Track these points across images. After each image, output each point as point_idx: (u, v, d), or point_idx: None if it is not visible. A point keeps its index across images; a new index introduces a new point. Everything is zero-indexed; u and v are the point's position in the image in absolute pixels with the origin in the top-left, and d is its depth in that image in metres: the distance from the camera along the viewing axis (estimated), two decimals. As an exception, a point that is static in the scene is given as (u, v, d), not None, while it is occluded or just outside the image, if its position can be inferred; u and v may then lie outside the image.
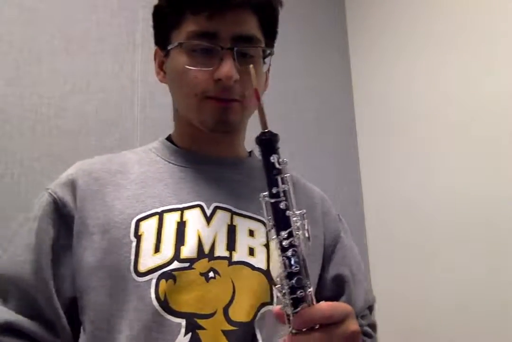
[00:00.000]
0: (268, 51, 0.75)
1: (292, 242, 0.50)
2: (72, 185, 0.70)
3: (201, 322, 0.61)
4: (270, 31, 0.77)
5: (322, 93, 1.92)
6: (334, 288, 0.76)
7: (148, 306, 0.61)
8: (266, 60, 0.78)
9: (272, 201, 0.51)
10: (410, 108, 1.76)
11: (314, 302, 0.51)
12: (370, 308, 0.80)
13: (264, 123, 0.53)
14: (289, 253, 0.50)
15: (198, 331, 0.60)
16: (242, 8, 0.70)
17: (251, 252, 0.67)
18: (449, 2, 1.68)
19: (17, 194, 1.25)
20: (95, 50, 1.45)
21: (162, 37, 0.76)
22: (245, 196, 0.73)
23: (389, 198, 1.79)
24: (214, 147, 0.77)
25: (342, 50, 2.04)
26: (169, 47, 0.73)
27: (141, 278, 0.63)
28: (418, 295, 1.59)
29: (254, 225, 0.70)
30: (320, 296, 0.74)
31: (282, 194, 0.51)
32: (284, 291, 0.50)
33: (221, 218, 0.69)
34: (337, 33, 2.05)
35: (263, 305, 0.64)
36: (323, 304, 0.50)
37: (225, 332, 0.61)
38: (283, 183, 0.51)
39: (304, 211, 0.52)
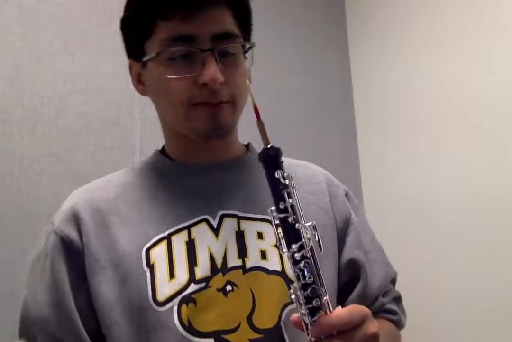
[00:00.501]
0: (248, 46, 0.72)
1: (304, 253, 0.51)
2: (75, 219, 0.69)
3: (228, 337, 0.61)
4: (246, 25, 0.73)
5: (322, 93, 1.92)
6: (350, 273, 0.74)
7: (174, 333, 0.61)
8: (248, 55, 0.75)
9: (281, 216, 0.52)
10: (410, 108, 1.76)
11: (331, 308, 0.51)
12: (393, 281, 0.79)
13: (266, 140, 0.53)
14: (301, 264, 0.51)
15: None
16: (215, 5, 0.66)
17: (263, 255, 0.67)
18: (449, 2, 1.68)
19: (17, 194, 1.25)
20: (95, 50, 1.45)
21: (135, 49, 0.71)
22: (248, 197, 0.72)
23: (389, 198, 1.79)
24: (208, 154, 0.75)
25: (342, 50, 2.04)
26: (145, 59, 0.68)
27: (161, 307, 0.62)
28: (418, 294, 1.59)
29: (261, 227, 0.69)
30: (338, 281, 0.73)
31: (290, 209, 0.51)
32: (300, 302, 0.51)
33: (228, 226, 0.68)
34: (337, 33, 2.05)
35: (286, 306, 0.64)
36: (340, 310, 0.50)
37: (252, 341, 0.61)
38: (289, 197, 0.52)
39: (314, 222, 0.53)
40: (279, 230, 0.52)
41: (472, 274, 1.47)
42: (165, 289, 0.63)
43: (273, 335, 0.62)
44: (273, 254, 0.67)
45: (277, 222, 0.52)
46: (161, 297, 0.62)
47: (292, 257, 0.51)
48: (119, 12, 1.38)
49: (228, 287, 0.64)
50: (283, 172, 0.52)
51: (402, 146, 1.77)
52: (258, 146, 0.87)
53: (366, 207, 1.88)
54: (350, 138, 1.95)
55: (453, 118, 1.60)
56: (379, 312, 0.74)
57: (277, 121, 1.76)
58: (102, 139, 1.40)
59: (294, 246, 0.51)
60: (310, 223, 0.52)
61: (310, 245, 0.51)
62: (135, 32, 0.70)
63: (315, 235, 0.52)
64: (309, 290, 0.50)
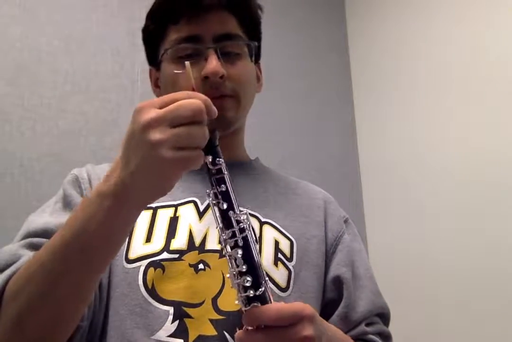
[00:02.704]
0: (254, 47, 0.77)
1: (237, 242, 0.51)
2: (79, 182, 0.73)
3: (188, 310, 0.62)
4: (251, 29, 0.78)
5: (322, 94, 1.92)
6: (334, 289, 0.74)
7: (135, 292, 0.63)
8: (257, 59, 0.80)
9: (214, 201, 0.52)
10: (410, 108, 1.76)
11: (271, 301, 0.51)
12: (382, 317, 0.76)
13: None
14: (233, 252, 0.51)
15: (186, 320, 0.61)
16: (217, 9, 0.72)
17: None
18: (448, 2, 1.68)
19: (17, 194, 1.25)
20: (95, 50, 1.45)
21: (153, 54, 0.78)
22: (240, 194, 0.74)
23: (390, 199, 1.79)
24: None
25: (341, 51, 2.04)
26: (158, 60, 0.76)
27: (130, 264, 0.65)
28: (419, 295, 1.59)
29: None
30: (323, 297, 0.74)
31: (219, 195, 0.51)
32: (239, 289, 0.51)
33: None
34: (336, 34, 2.05)
35: None
36: (272, 305, 0.50)
37: (212, 321, 0.62)
38: (219, 184, 0.51)
39: (246, 210, 0.53)
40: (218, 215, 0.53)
41: (474, 274, 1.47)
42: (138, 249, 0.66)
43: (235, 319, 0.62)
44: None
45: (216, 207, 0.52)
46: (132, 254, 0.65)
47: (224, 243, 0.51)
48: (119, 12, 1.39)
49: (201, 266, 0.65)
50: (215, 157, 0.51)
51: (403, 147, 1.77)
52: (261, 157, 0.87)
53: (367, 207, 1.88)
54: (350, 138, 1.95)
55: (453, 118, 1.60)
56: (359, 341, 0.71)
57: (277, 122, 1.76)
58: (102, 139, 1.40)
59: (225, 233, 0.51)
60: (244, 212, 0.52)
61: (245, 234, 0.51)
62: (152, 38, 0.78)
63: (249, 226, 0.52)
64: (241, 279, 0.50)
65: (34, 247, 0.62)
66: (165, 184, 0.50)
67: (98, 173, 0.75)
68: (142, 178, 0.48)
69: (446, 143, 1.61)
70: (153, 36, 0.77)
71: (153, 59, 0.79)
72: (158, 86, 0.80)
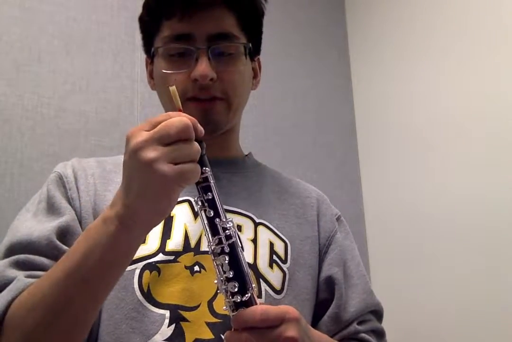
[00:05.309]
0: (250, 47, 0.74)
1: (223, 248, 0.51)
2: (63, 181, 0.71)
3: (185, 314, 0.61)
4: (251, 27, 0.75)
5: (322, 94, 1.92)
6: (326, 289, 0.74)
7: (130, 295, 0.62)
8: (256, 58, 0.78)
9: (202, 208, 0.53)
10: (410, 108, 1.76)
11: (257, 303, 0.51)
12: (375, 314, 0.76)
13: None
14: (220, 259, 0.52)
15: (182, 323, 0.61)
16: (214, 6, 0.69)
17: None
18: (448, 2, 1.68)
19: (17, 194, 1.25)
20: (95, 50, 1.45)
21: (147, 46, 0.77)
22: (235, 194, 0.73)
23: (389, 198, 1.79)
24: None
25: (342, 51, 2.04)
26: (151, 54, 0.74)
27: None
28: (419, 296, 1.59)
29: (241, 220, 0.70)
30: (316, 297, 0.74)
31: (205, 203, 0.52)
32: (226, 294, 0.52)
33: None
34: (337, 34, 2.05)
35: None
36: (258, 306, 0.51)
37: (209, 324, 0.61)
38: (205, 192, 0.52)
39: (232, 218, 0.53)
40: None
41: (472, 276, 1.47)
42: None
43: None
44: (247, 247, 0.68)
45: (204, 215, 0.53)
46: None
47: (211, 250, 0.52)
48: (119, 12, 1.39)
49: (196, 268, 0.64)
50: (201, 166, 0.52)
51: (402, 147, 1.77)
52: (258, 153, 0.87)
53: (366, 207, 1.88)
54: (350, 138, 1.95)
55: (453, 118, 1.60)
56: (351, 340, 0.72)
57: (278, 122, 1.76)
58: (102, 139, 1.40)
59: (212, 239, 0.52)
60: (230, 219, 0.53)
61: (231, 241, 0.52)
62: (147, 30, 0.76)
63: (235, 233, 0.53)
64: (228, 285, 0.51)
65: (21, 266, 0.60)
66: (167, 201, 0.50)
67: (85, 167, 0.73)
68: (144, 198, 0.49)
69: (447, 142, 1.61)
70: (147, 28, 0.76)
71: (148, 51, 0.77)
72: (153, 78, 0.78)
